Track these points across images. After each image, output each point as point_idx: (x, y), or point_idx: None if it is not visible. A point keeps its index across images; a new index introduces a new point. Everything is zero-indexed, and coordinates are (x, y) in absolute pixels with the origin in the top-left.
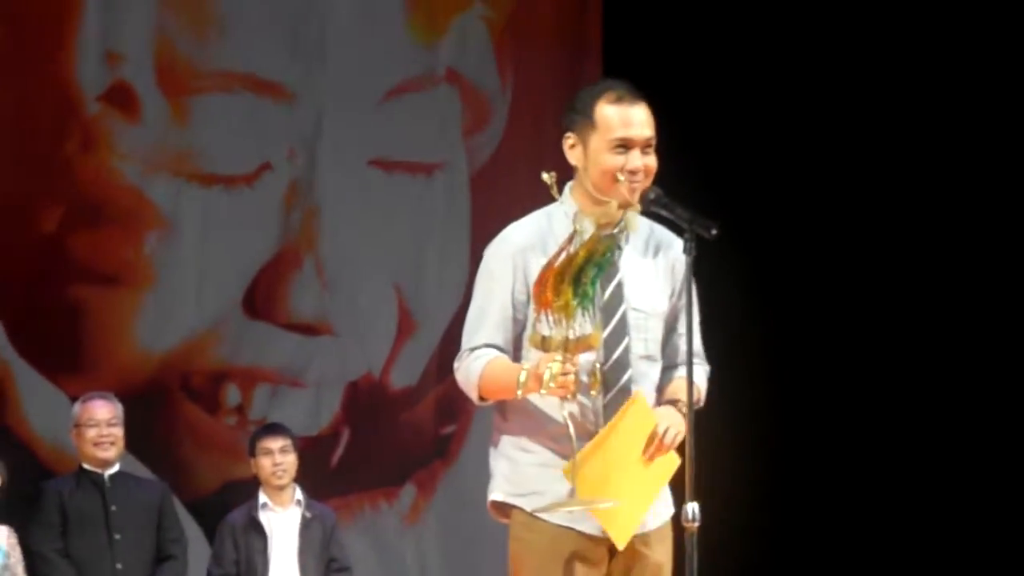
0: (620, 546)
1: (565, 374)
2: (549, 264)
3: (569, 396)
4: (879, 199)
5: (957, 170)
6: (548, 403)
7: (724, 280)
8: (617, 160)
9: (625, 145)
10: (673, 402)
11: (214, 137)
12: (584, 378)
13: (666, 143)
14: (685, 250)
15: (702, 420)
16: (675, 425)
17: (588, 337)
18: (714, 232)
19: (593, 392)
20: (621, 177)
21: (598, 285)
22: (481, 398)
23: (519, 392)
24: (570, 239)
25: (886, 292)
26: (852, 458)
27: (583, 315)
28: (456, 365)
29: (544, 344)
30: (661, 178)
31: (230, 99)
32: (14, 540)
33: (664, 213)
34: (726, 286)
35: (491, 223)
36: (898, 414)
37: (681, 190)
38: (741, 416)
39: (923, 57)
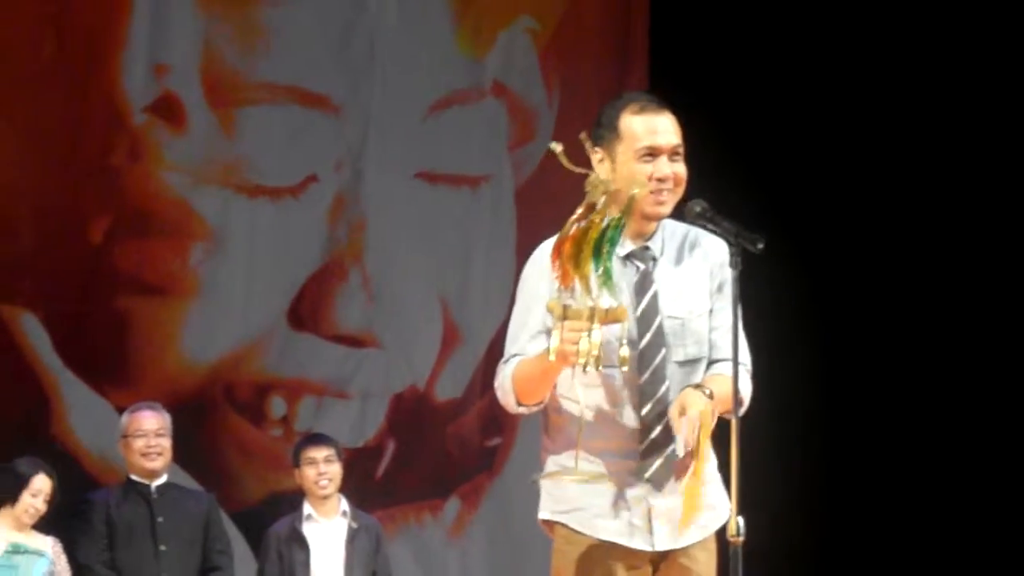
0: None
1: (586, 334)
2: (564, 233)
3: (583, 363)
4: (928, 202)
5: (1009, 176)
6: (586, 418)
7: (773, 287)
8: (645, 168)
9: (652, 153)
10: (697, 385)
11: (260, 149)
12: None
13: (713, 151)
14: (731, 264)
15: (749, 432)
16: (694, 404)
17: (616, 310)
18: (760, 246)
19: (624, 368)
20: (638, 190)
21: (621, 279)
22: (519, 403)
23: (551, 356)
24: (587, 210)
25: (939, 298)
26: (902, 470)
27: (606, 289)
28: (495, 382)
29: (566, 313)
30: (708, 186)
31: (277, 111)
32: (59, 549)
33: (710, 227)
34: (775, 293)
35: (536, 235)
36: (950, 425)
37: (728, 197)
38: (788, 428)
39: (976, 65)
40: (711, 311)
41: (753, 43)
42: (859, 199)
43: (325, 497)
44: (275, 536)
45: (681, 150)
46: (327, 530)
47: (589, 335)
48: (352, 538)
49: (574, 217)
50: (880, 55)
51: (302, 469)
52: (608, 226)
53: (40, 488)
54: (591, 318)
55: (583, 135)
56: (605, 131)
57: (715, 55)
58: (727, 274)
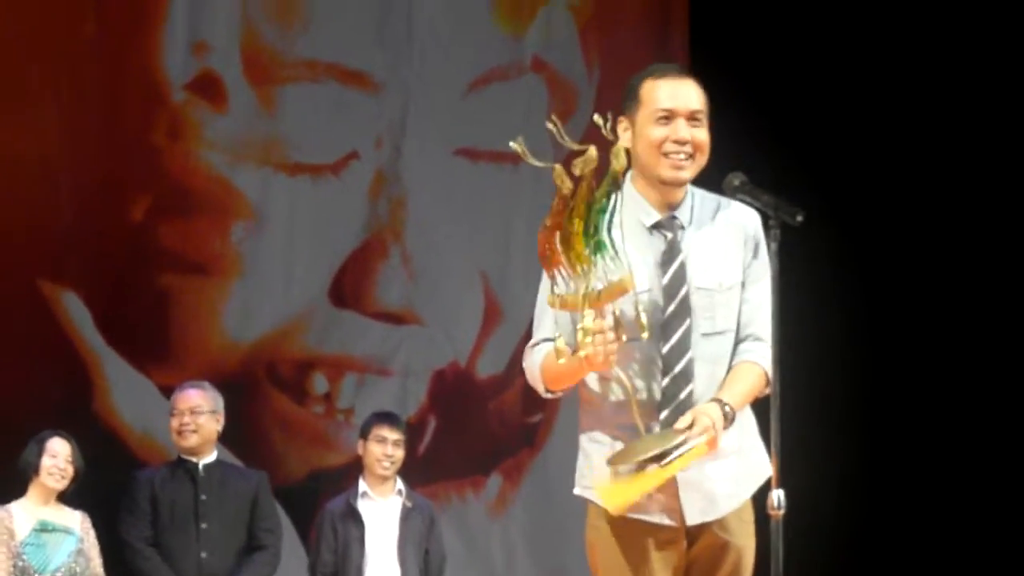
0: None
1: (599, 332)
2: (544, 225)
3: (607, 360)
4: (968, 184)
5: None
6: (613, 393)
7: (814, 260)
8: (661, 131)
9: (669, 116)
10: (718, 400)
11: (300, 126)
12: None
13: (753, 125)
14: (770, 236)
15: (789, 406)
16: (707, 428)
17: (620, 282)
18: (799, 219)
19: (645, 335)
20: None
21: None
22: (548, 391)
23: (560, 360)
24: (561, 201)
25: (979, 279)
26: (942, 446)
27: (607, 262)
28: (524, 363)
29: (562, 303)
30: (747, 159)
31: (316, 88)
32: (88, 524)
33: (748, 200)
34: (817, 265)
35: None
36: (993, 400)
37: (769, 172)
38: (829, 401)
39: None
40: (743, 283)
41: (793, 16)
42: (901, 173)
43: (384, 477)
44: (330, 512)
45: (702, 116)
46: (382, 508)
47: (582, 319)
48: (406, 517)
49: (552, 210)
50: (924, 27)
51: (369, 444)
52: (594, 200)
53: (57, 450)
54: (586, 302)
55: (596, 117)
56: (629, 100)
57: (755, 29)
58: (762, 243)
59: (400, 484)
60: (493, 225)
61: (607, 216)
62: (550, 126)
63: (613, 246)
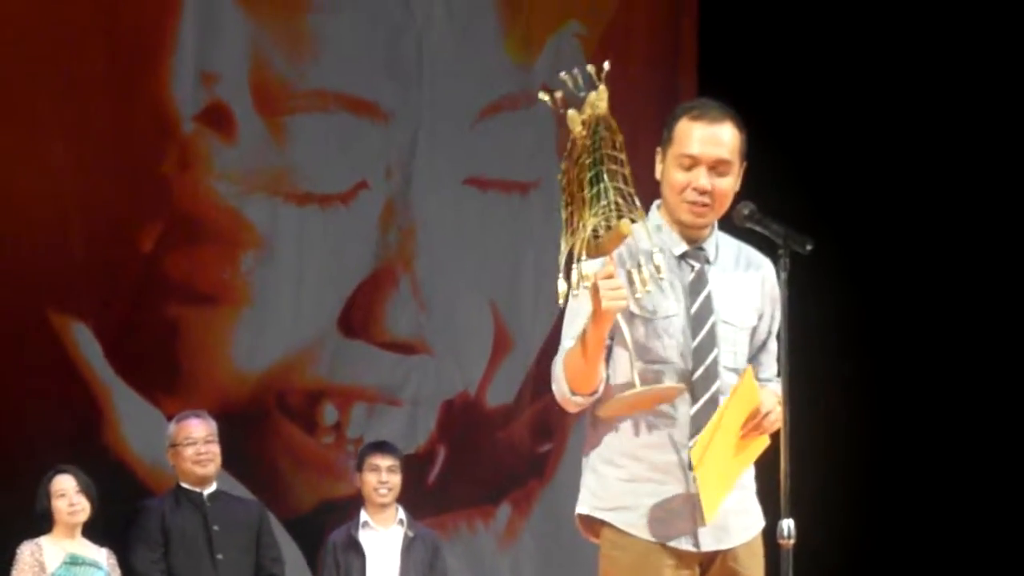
0: (708, 518)
1: (608, 277)
2: (560, 169)
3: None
4: (975, 206)
5: None
6: (634, 416)
7: (821, 288)
8: (683, 176)
9: (692, 162)
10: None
11: (310, 156)
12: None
13: (761, 154)
14: (780, 266)
15: (798, 434)
16: (775, 411)
17: (619, 227)
18: (809, 248)
19: (641, 293)
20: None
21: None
22: (573, 391)
23: (574, 291)
24: (572, 147)
25: (990, 298)
26: (951, 474)
27: (606, 207)
28: (552, 376)
29: (571, 249)
30: (757, 189)
31: (326, 118)
32: (114, 561)
33: (758, 229)
34: (824, 295)
35: None
36: (1000, 424)
37: (778, 203)
38: (837, 430)
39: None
40: (755, 328)
41: (802, 46)
42: (909, 203)
43: (383, 505)
44: (332, 544)
45: (727, 167)
46: (383, 538)
47: (578, 265)
48: (408, 547)
49: (565, 161)
50: (930, 59)
51: (364, 474)
52: (596, 154)
53: (64, 487)
54: (583, 247)
55: (541, 94)
56: (666, 131)
57: (764, 58)
58: (779, 294)
59: (402, 514)
60: (503, 254)
61: (602, 167)
62: (563, 76)
63: (608, 194)
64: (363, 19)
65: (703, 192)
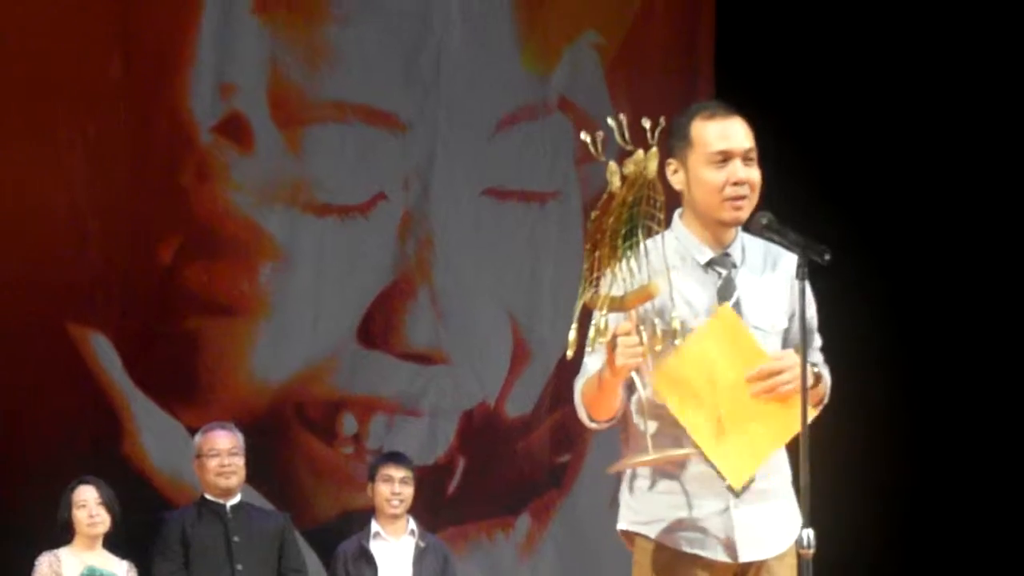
0: (736, 485)
1: (627, 334)
2: (591, 217)
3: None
4: (1002, 208)
5: None
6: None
7: (847, 294)
8: (719, 174)
9: (724, 158)
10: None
11: (328, 167)
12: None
13: (780, 163)
14: (798, 275)
15: (821, 444)
16: (791, 369)
17: (647, 287)
18: (827, 257)
19: (658, 348)
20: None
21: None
22: (591, 419)
23: (588, 348)
24: (608, 199)
25: (1016, 301)
26: (978, 481)
27: (634, 266)
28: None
29: (589, 302)
30: (778, 197)
31: (344, 129)
32: (135, 574)
33: (776, 238)
34: (850, 301)
35: None
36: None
37: (797, 208)
38: (861, 440)
39: None
40: (786, 331)
41: (820, 55)
42: (931, 206)
43: (395, 516)
44: (343, 554)
45: (754, 155)
46: (394, 549)
47: (597, 321)
48: (419, 558)
49: (597, 211)
50: (949, 62)
51: (376, 484)
52: (633, 210)
53: (85, 498)
54: (605, 303)
55: (583, 135)
56: (677, 140)
57: (782, 68)
58: (807, 288)
59: (413, 524)
60: (521, 265)
61: (641, 220)
62: (584, 137)
63: (643, 252)
64: (381, 30)
65: (741, 184)
